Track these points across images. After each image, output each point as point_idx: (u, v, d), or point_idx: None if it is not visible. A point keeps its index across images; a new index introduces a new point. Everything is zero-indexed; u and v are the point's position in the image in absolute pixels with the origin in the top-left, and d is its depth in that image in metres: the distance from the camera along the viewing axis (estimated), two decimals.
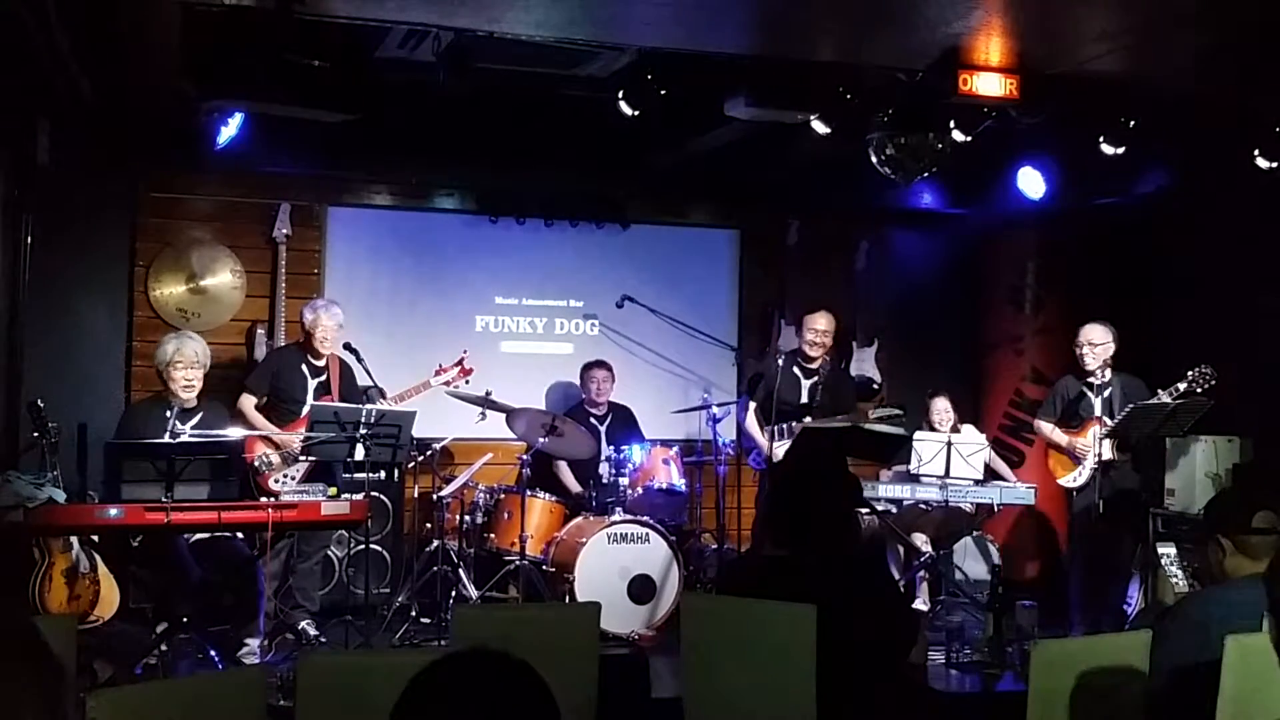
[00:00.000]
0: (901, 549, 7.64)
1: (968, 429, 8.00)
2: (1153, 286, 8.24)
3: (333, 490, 6.26)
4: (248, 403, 6.85)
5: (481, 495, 7.35)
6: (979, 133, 6.40)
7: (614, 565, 6.89)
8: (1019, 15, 5.51)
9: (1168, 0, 5.25)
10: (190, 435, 6.23)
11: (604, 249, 8.67)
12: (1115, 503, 7.03)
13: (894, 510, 7.79)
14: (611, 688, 3.92)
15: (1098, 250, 8.71)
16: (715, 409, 7.94)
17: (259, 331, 7.84)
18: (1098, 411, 7.18)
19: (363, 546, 6.75)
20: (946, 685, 5.89)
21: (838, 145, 6.58)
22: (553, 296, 8.62)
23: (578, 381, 8.14)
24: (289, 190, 7.97)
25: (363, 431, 6.20)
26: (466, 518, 7.24)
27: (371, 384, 6.82)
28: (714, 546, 7.96)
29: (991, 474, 7.80)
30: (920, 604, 7.47)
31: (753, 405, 7.45)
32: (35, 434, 6.24)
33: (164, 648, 5.90)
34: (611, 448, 7.51)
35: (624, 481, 7.30)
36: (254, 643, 6.28)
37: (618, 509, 7.14)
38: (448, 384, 7.20)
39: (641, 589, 6.93)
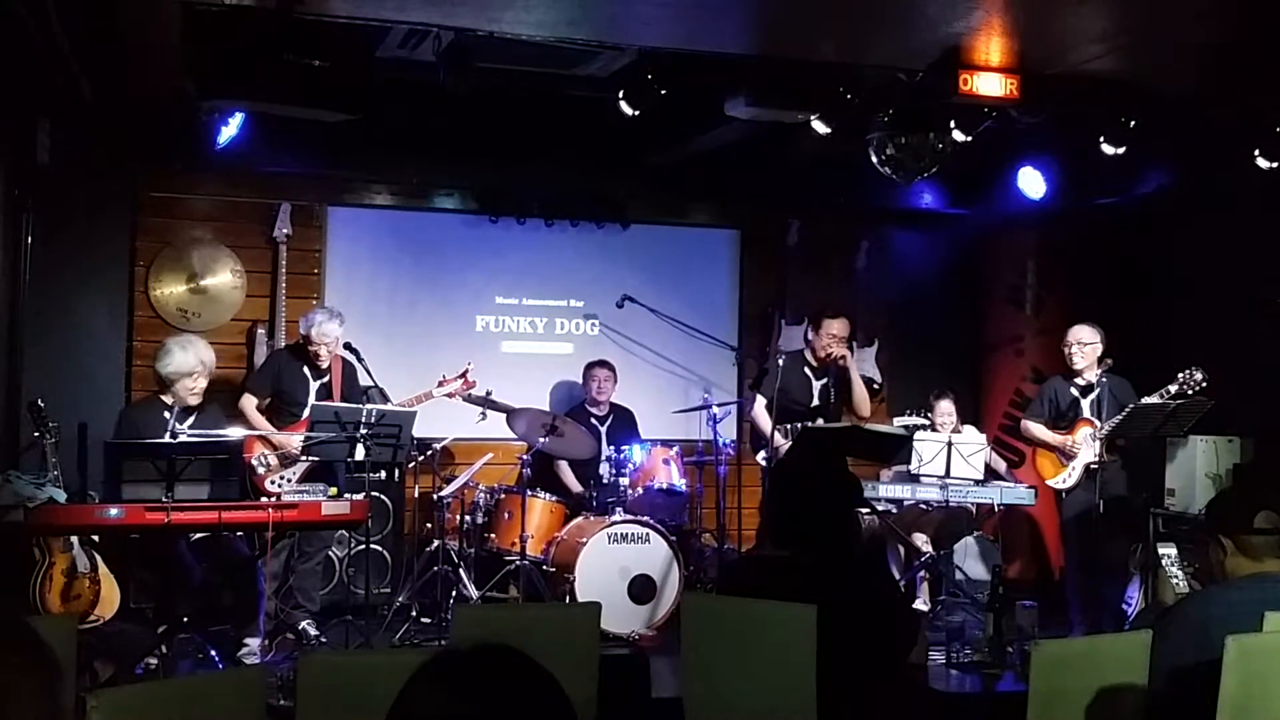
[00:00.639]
0: (902, 549, 7.64)
1: (968, 429, 8.00)
2: (1153, 286, 8.24)
3: (333, 490, 6.26)
4: (249, 403, 6.85)
5: (482, 495, 7.35)
6: (979, 133, 6.40)
7: (614, 565, 6.90)
8: (1019, 15, 5.51)
9: (1168, 0, 5.25)
10: (189, 435, 6.23)
11: (604, 249, 8.67)
12: (1108, 504, 7.02)
13: (894, 510, 7.79)
14: (612, 688, 3.92)
15: (1098, 250, 8.72)
16: (715, 409, 7.93)
17: (259, 331, 7.84)
18: (1087, 413, 7.19)
19: (363, 546, 6.75)
20: (947, 685, 5.89)
21: (838, 145, 6.58)
22: (553, 296, 8.62)
23: (580, 381, 8.14)
24: (289, 190, 7.96)
25: (363, 431, 6.20)
26: (467, 518, 7.24)
27: (372, 384, 6.82)
28: (714, 546, 7.96)
29: (992, 474, 7.80)
30: (920, 604, 7.47)
31: (762, 400, 7.43)
32: (35, 434, 6.25)
33: (164, 648, 5.90)
34: (612, 448, 7.51)
35: (624, 481, 7.30)
36: (254, 643, 6.28)
37: (618, 509, 7.14)
38: (451, 395, 7.20)
39: (642, 589, 6.93)
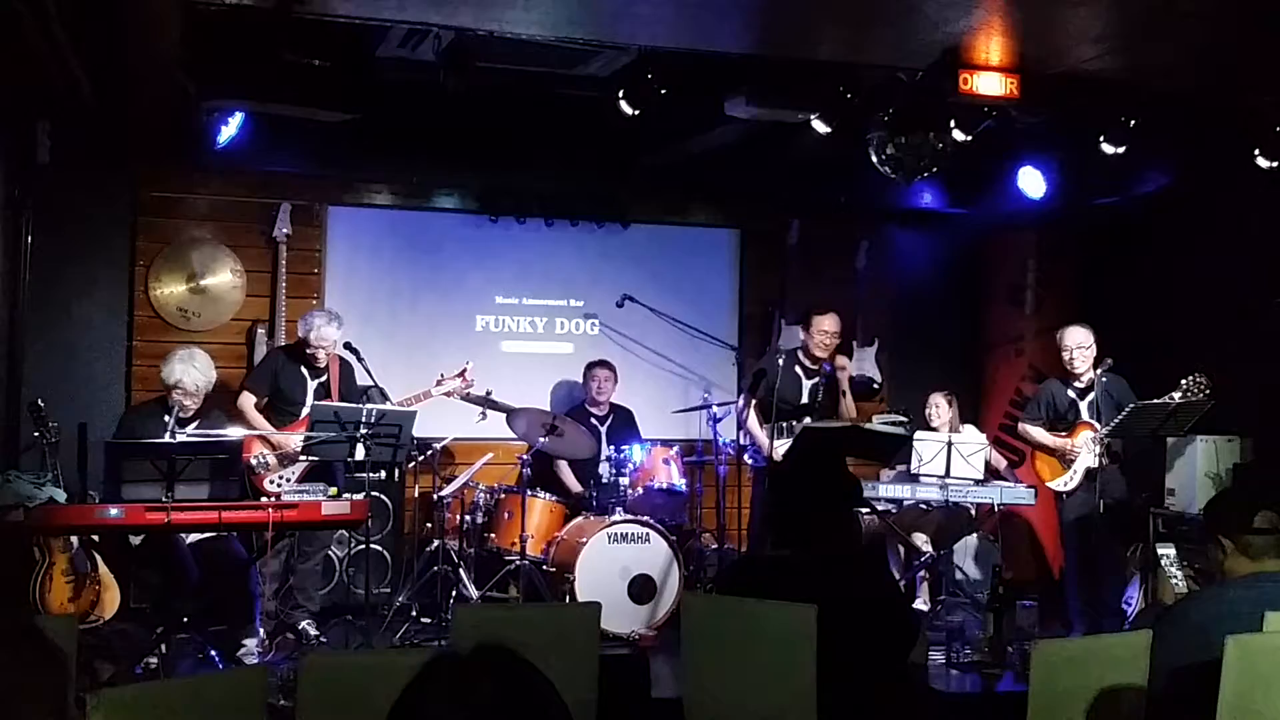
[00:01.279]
0: (902, 549, 7.64)
1: (968, 429, 8.00)
2: (1153, 286, 8.24)
3: (333, 490, 6.26)
4: (247, 402, 6.85)
5: (482, 495, 7.35)
6: (979, 132, 6.40)
7: (614, 565, 6.89)
8: (1019, 15, 5.51)
9: (1167, 0, 5.25)
10: (189, 434, 6.23)
11: (604, 248, 8.67)
12: (1108, 505, 7.03)
13: (894, 510, 7.78)
14: (612, 688, 3.91)
15: (1098, 250, 8.72)
16: (715, 409, 7.93)
17: (259, 331, 7.84)
18: (1086, 415, 7.19)
19: (363, 546, 6.74)
20: (947, 685, 5.89)
21: (838, 145, 6.58)
22: (553, 296, 8.62)
23: (581, 381, 8.14)
24: (289, 190, 7.96)
25: (363, 431, 6.20)
26: (467, 517, 7.24)
27: (372, 384, 6.82)
28: (714, 546, 7.96)
29: (994, 473, 7.81)
30: (920, 604, 7.46)
31: (752, 402, 7.44)
32: (36, 434, 6.26)
33: (164, 648, 5.90)
34: (612, 448, 7.51)
35: (624, 481, 7.29)
36: (251, 643, 6.28)
37: (618, 509, 7.14)
38: (449, 394, 7.20)
39: (642, 589, 6.93)
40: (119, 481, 5.52)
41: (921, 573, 7.61)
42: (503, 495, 7.35)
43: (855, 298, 8.96)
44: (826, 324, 7.46)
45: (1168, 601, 6.36)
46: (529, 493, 7.14)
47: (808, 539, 3.80)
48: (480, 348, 8.17)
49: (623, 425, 7.98)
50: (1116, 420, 6.93)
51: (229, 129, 6.72)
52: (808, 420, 7.36)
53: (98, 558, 6.12)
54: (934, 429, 7.72)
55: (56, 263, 7.35)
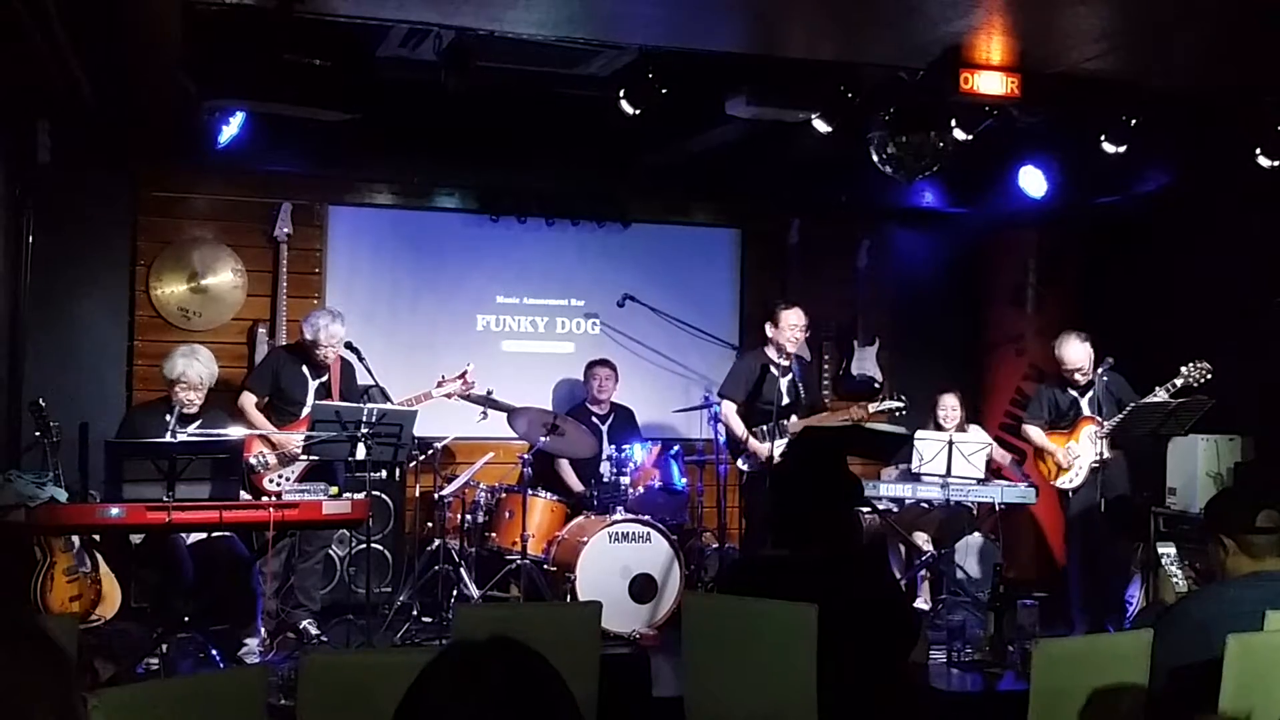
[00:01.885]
0: (903, 548, 7.64)
1: (974, 429, 8.00)
2: (1153, 285, 8.24)
3: (334, 489, 6.26)
4: (248, 401, 6.84)
5: (483, 494, 7.35)
6: (980, 131, 6.40)
7: (615, 564, 6.89)
8: (1020, 14, 5.51)
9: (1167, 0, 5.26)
10: (190, 434, 6.23)
11: (605, 248, 8.67)
12: (1111, 502, 7.04)
13: (895, 509, 7.78)
14: (613, 687, 3.92)
15: (1099, 249, 8.72)
16: (716, 408, 7.93)
17: (260, 331, 7.84)
18: (1087, 411, 7.21)
19: (364, 546, 6.74)
20: (948, 684, 5.89)
21: (839, 144, 6.58)
22: (554, 295, 8.61)
23: (582, 380, 8.14)
24: (290, 189, 7.96)
25: (364, 431, 6.20)
26: (468, 517, 7.24)
27: (373, 383, 6.82)
28: (715, 546, 7.96)
29: (998, 471, 7.81)
30: (921, 603, 7.46)
31: (731, 405, 7.42)
32: (37, 433, 6.25)
33: (165, 647, 5.91)
34: (613, 447, 7.51)
35: (625, 480, 7.29)
36: (253, 643, 6.28)
37: (619, 508, 7.14)
38: (450, 395, 7.20)
39: (643, 588, 6.93)
40: (120, 481, 5.52)
41: (922, 572, 7.61)
42: (504, 494, 7.35)
43: (856, 297, 8.96)
44: (793, 318, 7.42)
45: (1168, 601, 6.34)
46: (530, 492, 7.13)
47: (808, 538, 3.80)
48: (481, 347, 8.18)
49: (624, 424, 7.98)
50: (1117, 419, 6.96)
51: (229, 129, 6.71)
52: (793, 418, 7.33)
53: (98, 557, 6.11)
54: (944, 429, 7.72)
55: (56, 263, 7.35)
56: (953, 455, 7.34)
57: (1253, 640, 3.17)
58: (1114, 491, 7.08)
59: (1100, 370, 7.14)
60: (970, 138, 6.39)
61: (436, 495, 7.36)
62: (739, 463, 7.50)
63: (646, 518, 7.05)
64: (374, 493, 6.69)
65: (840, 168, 7.59)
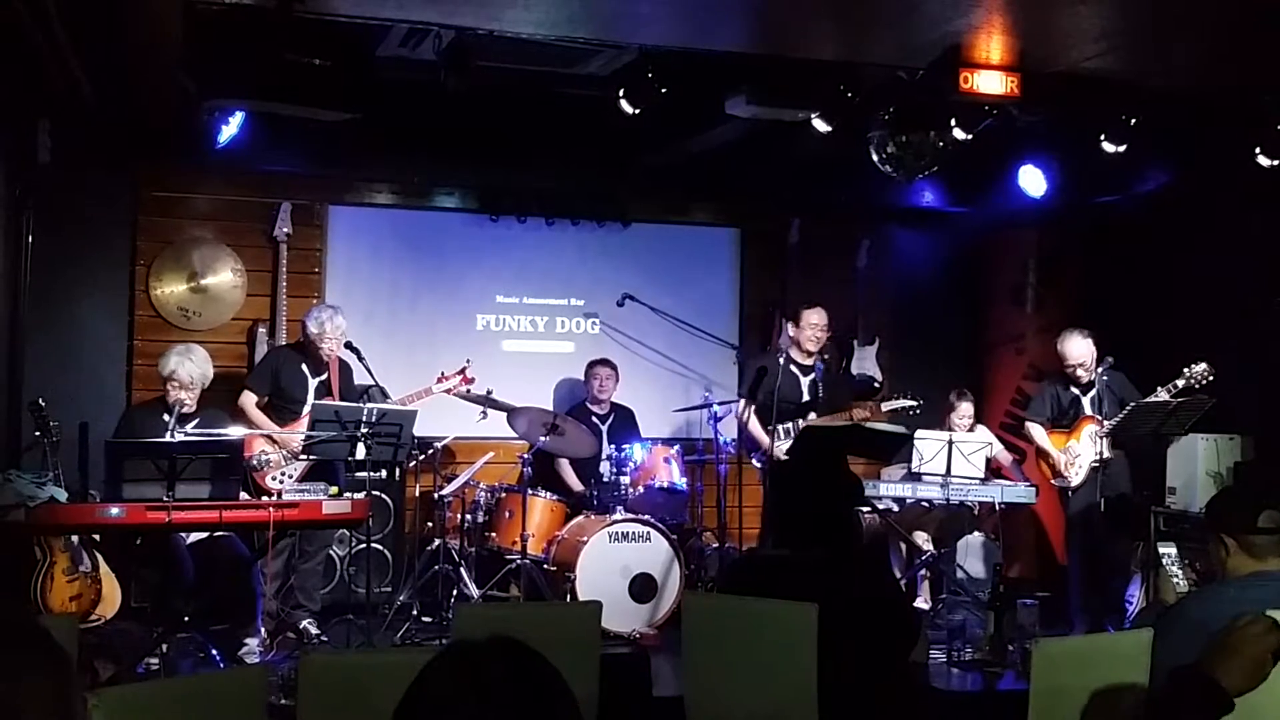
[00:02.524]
0: (903, 547, 7.64)
1: (980, 429, 8.01)
2: (1153, 285, 8.23)
3: (334, 489, 6.26)
4: (249, 400, 6.84)
5: (483, 494, 7.35)
6: (980, 131, 6.40)
7: (615, 564, 6.89)
8: (1020, 13, 5.51)
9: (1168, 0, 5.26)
10: (190, 434, 6.23)
11: (605, 247, 8.67)
12: (1112, 501, 7.04)
13: (895, 509, 7.78)
14: (613, 686, 3.92)
15: (1099, 248, 8.71)
16: (716, 408, 7.94)
17: (260, 331, 7.84)
18: (1089, 410, 7.22)
19: (364, 545, 6.75)
20: (948, 684, 5.89)
21: (839, 144, 6.58)
22: (554, 295, 8.61)
23: (582, 380, 8.14)
24: (290, 189, 7.96)
25: (364, 431, 6.20)
26: (468, 517, 7.24)
27: (373, 383, 6.82)
28: (715, 545, 7.95)
29: (998, 471, 7.81)
30: (922, 603, 7.47)
31: (751, 407, 7.43)
32: (36, 433, 6.25)
33: (165, 647, 5.91)
34: (613, 446, 7.51)
35: (625, 480, 7.29)
36: (253, 642, 6.28)
37: (619, 508, 7.14)
38: (449, 391, 7.20)
39: (643, 588, 6.93)
40: (120, 481, 5.52)
41: (922, 571, 7.61)
42: (504, 494, 7.35)
43: (855, 297, 8.96)
44: (814, 317, 7.50)
45: (1169, 600, 6.35)
46: (530, 492, 7.14)
47: (808, 538, 3.80)
48: (481, 347, 8.17)
49: (624, 424, 7.98)
50: (1117, 419, 6.96)
51: (229, 129, 6.71)
52: (812, 417, 7.37)
53: (98, 557, 6.12)
54: (953, 429, 7.72)
55: (56, 263, 7.35)
56: (953, 455, 7.34)
57: None
58: (1114, 491, 7.08)
59: (1101, 369, 7.14)
60: (970, 137, 6.39)
61: (436, 495, 7.36)
62: (753, 460, 7.53)
63: (646, 517, 7.06)
64: (374, 492, 6.69)
65: (840, 167, 7.59)
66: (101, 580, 6.10)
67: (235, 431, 6.47)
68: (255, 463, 6.59)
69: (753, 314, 9.00)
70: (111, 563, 6.18)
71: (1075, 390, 7.33)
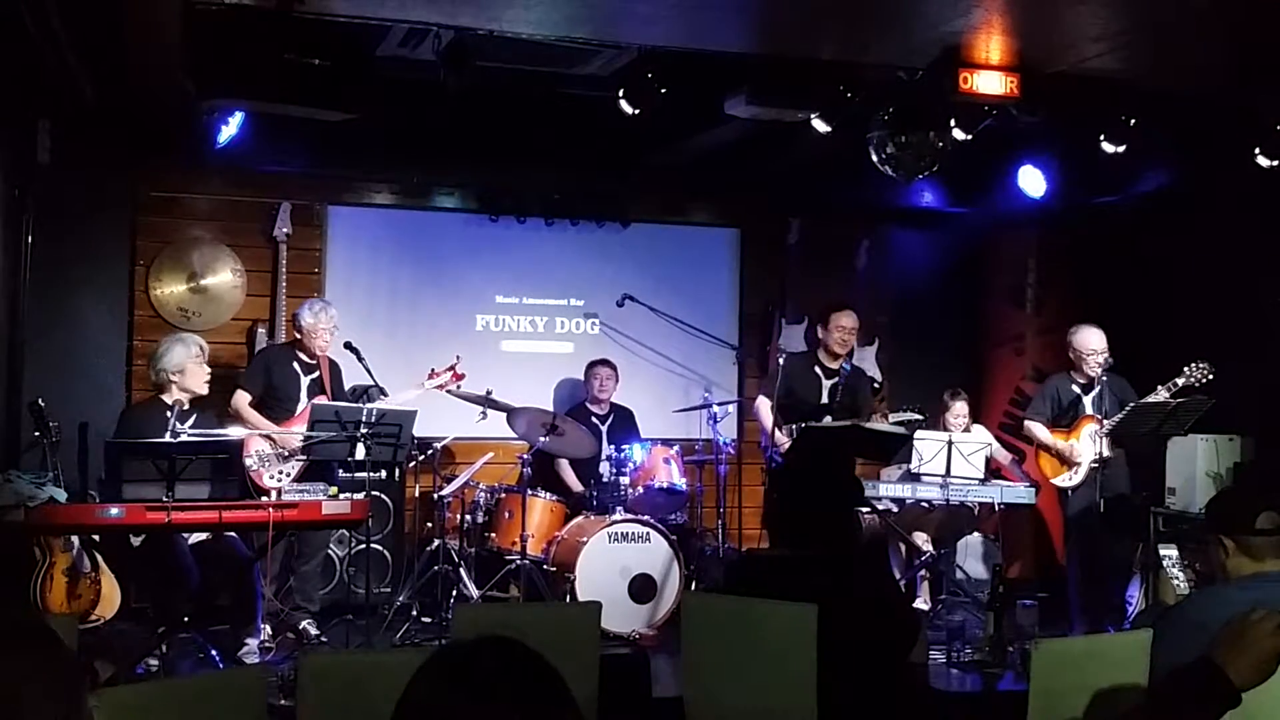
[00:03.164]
0: (903, 548, 7.64)
1: (978, 429, 8.01)
2: (1153, 285, 8.23)
3: (333, 490, 6.26)
4: (242, 399, 6.83)
5: (482, 494, 7.35)
6: (979, 131, 6.40)
7: (615, 564, 6.89)
8: (1019, 13, 5.51)
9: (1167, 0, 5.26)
10: (190, 434, 6.22)
11: (604, 248, 8.67)
12: (1111, 501, 7.04)
13: (895, 509, 7.78)
14: (612, 687, 3.92)
15: (1099, 249, 8.71)
16: (716, 408, 7.94)
17: (260, 331, 7.84)
18: (1089, 409, 7.22)
19: (364, 546, 6.75)
20: (947, 684, 5.89)
21: (838, 144, 6.58)
22: (553, 295, 8.61)
23: (582, 380, 8.14)
24: (289, 189, 7.96)
25: (363, 431, 6.19)
26: (467, 517, 7.24)
27: (373, 383, 6.82)
28: (715, 546, 7.96)
29: (998, 471, 7.81)
30: (921, 603, 7.46)
31: (767, 401, 7.44)
32: (36, 433, 6.25)
33: (165, 647, 5.90)
34: (612, 447, 7.51)
35: (625, 481, 7.30)
36: (253, 643, 6.28)
37: (619, 508, 7.14)
38: (440, 388, 7.20)
39: (642, 588, 6.93)
40: (119, 481, 5.52)
41: (922, 572, 7.61)
42: (503, 495, 7.35)
43: (856, 297, 8.94)
44: (845, 320, 7.50)
45: (1168, 601, 6.36)
46: (529, 492, 7.13)
47: (808, 538, 3.80)
48: (480, 347, 8.17)
49: (623, 424, 7.98)
50: (1117, 419, 6.96)
51: (229, 129, 6.72)
52: (827, 420, 7.37)
53: (98, 557, 6.11)
54: (948, 429, 7.72)
55: (56, 263, 7.35)
56: (952, 455, 7.34)
57: None
58: (1113, 491, 7.08)
59: (1100, 370, 7.15)
60: (970, 137, 6.39)
61: (436, 495, 7.35)
62: (766, 457, 7.53)
63: (646, 518, 7.06)
64: (373, 493, 6.69)
65: (839, 168, 7.59)
66: (101, 580, 6.10)
67: (236, 431, 6.46)
68: (250, 463, 6.58)
69: (752, 314, 8.99)
70: (111, 563, 6.17)
71: (1077, 389, 7.33)
